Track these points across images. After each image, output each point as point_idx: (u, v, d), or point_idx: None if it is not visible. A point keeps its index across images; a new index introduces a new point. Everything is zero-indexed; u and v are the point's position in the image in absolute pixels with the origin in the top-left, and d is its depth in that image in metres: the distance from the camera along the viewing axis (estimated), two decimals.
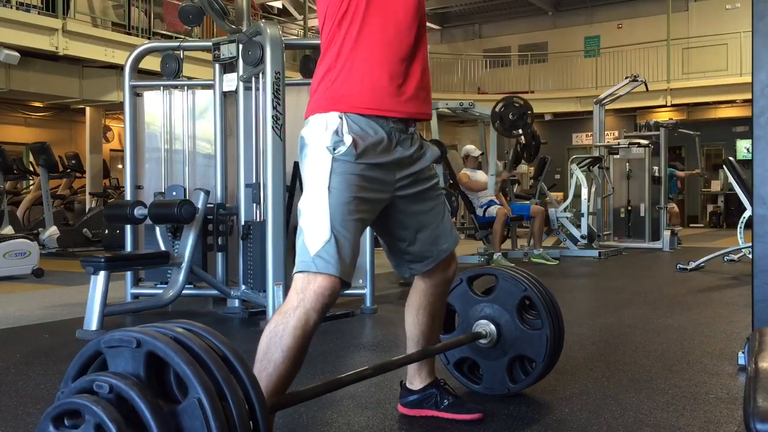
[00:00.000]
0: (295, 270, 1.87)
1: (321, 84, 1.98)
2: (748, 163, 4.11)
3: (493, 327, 2.47)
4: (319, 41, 2.25)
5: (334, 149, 1.90)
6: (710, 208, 16.77)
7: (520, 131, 7.83)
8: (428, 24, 21.66)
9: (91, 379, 1.28)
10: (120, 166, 14.32)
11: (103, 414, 1.21)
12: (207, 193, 4.40)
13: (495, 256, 7.35)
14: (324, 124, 1.92)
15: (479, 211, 7.53)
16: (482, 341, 2.48)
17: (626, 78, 10.57)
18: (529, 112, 7.65)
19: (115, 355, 1.32)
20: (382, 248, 2.21)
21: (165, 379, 1.31)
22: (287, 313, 1.82)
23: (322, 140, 1.92)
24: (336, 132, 1.91)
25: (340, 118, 1.91)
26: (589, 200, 8.78)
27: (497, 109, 7.65)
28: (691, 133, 11.38)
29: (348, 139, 1.90)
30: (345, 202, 1.88)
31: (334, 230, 1.85)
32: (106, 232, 7.94)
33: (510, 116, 7.62)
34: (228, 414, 1.26)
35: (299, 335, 1.81)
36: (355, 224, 1.90)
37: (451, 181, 7.45)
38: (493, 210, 7.46)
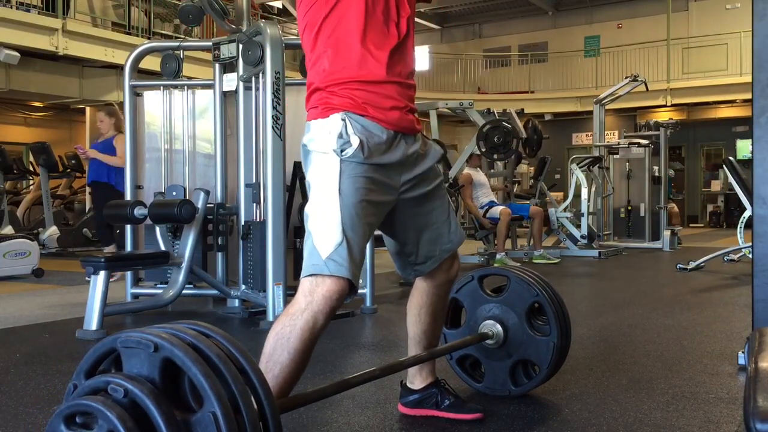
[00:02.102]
0: (304, 273, 1.85)
1: (316, 89, 1.95)
2: (748, 163, 4.11)
3: (500, 328, 2.47)
4: None
5: (342, 151, 1.87)
6: (710, 208, 16.78)
7: (503, 155, 7.59)
8: (428, 24, 21.42)
9: (107, 381, 1.28)
10: None
11: (117, 421, 1.21)
12: (207, 193, 4.40)
13: (498, 256, 7.32)
14: (327, 129, 1.89)
15: (479, 212, 7.51)
16: (488, 342, 2.48)
17: (626, 78, 10.56)
18: (515, 139, 7.38)
19: (130, 356, 1.31)
20: (388, 250, 2.20)
21: (179, 384, 1.31)
22: (294, 315, 1.81)
23: (327, 144, 1.89)
24: (340, 135, 1.88)
25: (343, 120, 1.89)
26: (589, 200, 8.78)
27: (484, 129, 7.40)
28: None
29: (355, 140, 1.87)
30: (355, 204, 1.85)
31: (345, 233, 1.83)
32: None
33: (495, 138, 7.34)
34: (242, 429, 1.26)
35: (306, 338, 1.80)
36: (364, 228, 1.88)
37: (451, 181, 7.44)
38: (496, 211, 7.45)
